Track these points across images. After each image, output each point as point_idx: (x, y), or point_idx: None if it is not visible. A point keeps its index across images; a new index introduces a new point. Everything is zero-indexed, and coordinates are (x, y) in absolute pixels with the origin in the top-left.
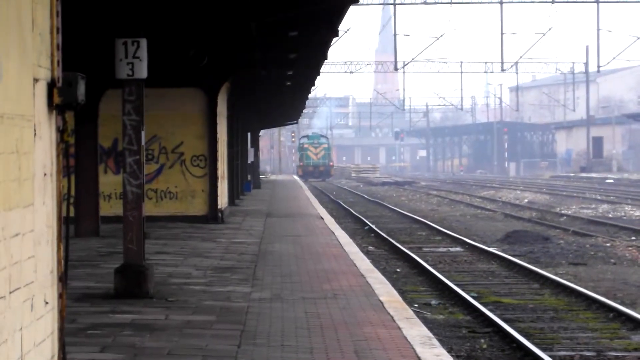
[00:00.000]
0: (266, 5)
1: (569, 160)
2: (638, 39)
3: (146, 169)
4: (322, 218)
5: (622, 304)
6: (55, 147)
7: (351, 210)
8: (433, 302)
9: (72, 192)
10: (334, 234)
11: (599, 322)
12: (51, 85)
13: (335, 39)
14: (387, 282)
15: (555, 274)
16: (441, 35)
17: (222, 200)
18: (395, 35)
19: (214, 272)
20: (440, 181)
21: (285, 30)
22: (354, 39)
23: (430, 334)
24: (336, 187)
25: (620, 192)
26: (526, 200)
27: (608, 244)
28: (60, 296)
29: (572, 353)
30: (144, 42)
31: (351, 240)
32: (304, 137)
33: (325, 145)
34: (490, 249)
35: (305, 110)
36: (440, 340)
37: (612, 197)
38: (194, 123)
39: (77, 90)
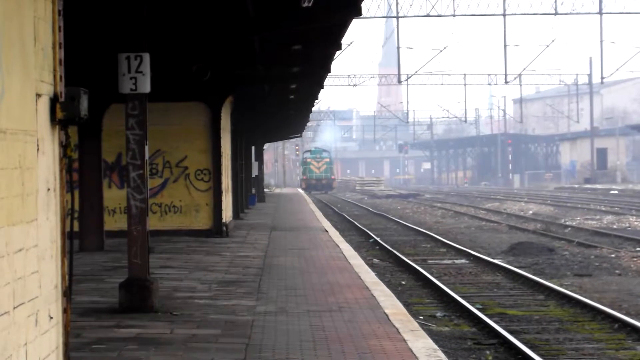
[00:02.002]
0: (269, 20)
1: (573, 171)
2: None
3: (150, 184)
4: (327, 231)
5: (627, 314)
6: (58, 162)
7: (356, 223)
8: (438, 314)
9: (77, 207)
10: (338, 246)
11: (604, 333)
12: (54, 101)
13: (338, 53)
14: (392, 294)
15: (560, 285)
16: (444, 48)
17: (227, 214)
18: (398, 48)
19: (218, 285)
20: (445, 193)
21: (288, 45)
22: (358, 52)
23: (436, 346)
24: (340, 200)
25: (625, 203)
26: (531, 212)
27: (613, 255)
28: (64, 311)
29: None
30: (146, 57)
31: (356, 253)
32: (307, 151)
33: (327, 159)
34: (495, 261)
35: (309, 124)
36: (445, 352)
37: (616, 208)
38: (198, 137)
39: (80, 105)
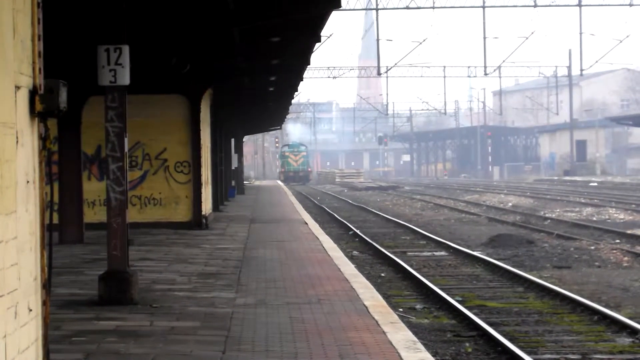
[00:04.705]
0: (248, 12)
1: (553, 163)
2: (620, 42)
3: (130, 176)
4: (307, 223)
5: (606, 306)
6: (37, 154)
7: (335, 215)
8: (418, 306)
9: (56, 199)
10: (318, 239)
11: (584, 325)
12: (33, 93)
13: (317, 45)
14: (372, 286)
15: (540, 278)
16: (424, 40)
17: (206, 206)
18: (378, 40)
19: (198, 278)
20: (424, 185)
21: (268, 37)
22: (337, 45)
23: (415, 338)
24: (320, 192)
25: (604, 195)
26: (510, 204)
27: (592, 247)
28: (44, 303)
29: (557, 356)
30: (126, 49)
31: (335, 245)
32: (285, 145)
33: (304, 153)
34: (475, 253)
35: (289, 116)
36: (425, 345)
37: (595, 200)
38: (177, 129)
39: (59, 97)
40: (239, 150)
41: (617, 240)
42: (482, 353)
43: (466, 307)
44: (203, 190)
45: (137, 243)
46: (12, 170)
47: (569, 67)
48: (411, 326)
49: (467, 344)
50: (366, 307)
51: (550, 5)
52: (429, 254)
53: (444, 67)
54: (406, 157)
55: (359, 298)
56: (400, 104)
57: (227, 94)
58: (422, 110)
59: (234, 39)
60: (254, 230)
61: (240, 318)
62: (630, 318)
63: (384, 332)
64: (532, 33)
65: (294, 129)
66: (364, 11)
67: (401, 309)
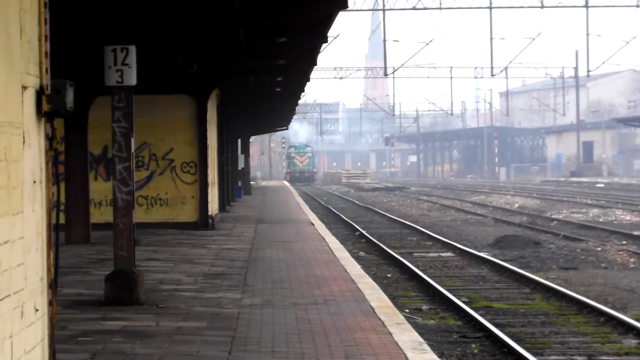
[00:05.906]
0: (254, 13)
1: (559, 164)
2: (627, 43)
3: (136, 176)
4: (313, 224)
5: (613, 308)
6: (44, 154)
7: (342, 216)
8: (424, 307)
9: (63, 199)
10: (324, 239)
11: (590, 327)
12: (40, 93)
13: (324, 45)
14: (378, 287)
15: (546, 279)
16: (430, 41)
17: (213, 206)
18: (384, 40)
19: (204, 278)
20: (431, 186)
21: (274, 37)
22: (344, 45)
23: (422, 339)
24: (327, 193)
25: (611, 196)
26: (517, 205)
27: (599, 248)
28: (50, 303)
29: (563, 358)
30: (133, 49)
31: (342, 246)
32: (291, 147)
33: (310, 154)
34: (481, 254)
35: (295, 116)
36: (431, 346)
37: (602, 202)
38: (184, 129)
39: (66, 97)
40: (246, 150)
41: (624, 242)
42: (488, 354)
43: (472, 308)
44: (209, 190)
45: (144, 243)
46: (18, 171)
47: (576, 68)
48: (417, 327)
49: (473, 345)
50: (372, 308)
51: (557, 6)
52: (436, 254)
53: (451, 67)
54: (413, 158)
55: (365, 299)
56: (407, 105)
57: (233, 94)
58: (429, 111)
59: (240, 39)
60: (261, 231)
61: (247, 318)
62: (636, 319)
63: (390, 333)
64: (539, 34)
65: (300, 130)
66: (371, 12)
67: (407, 310)
